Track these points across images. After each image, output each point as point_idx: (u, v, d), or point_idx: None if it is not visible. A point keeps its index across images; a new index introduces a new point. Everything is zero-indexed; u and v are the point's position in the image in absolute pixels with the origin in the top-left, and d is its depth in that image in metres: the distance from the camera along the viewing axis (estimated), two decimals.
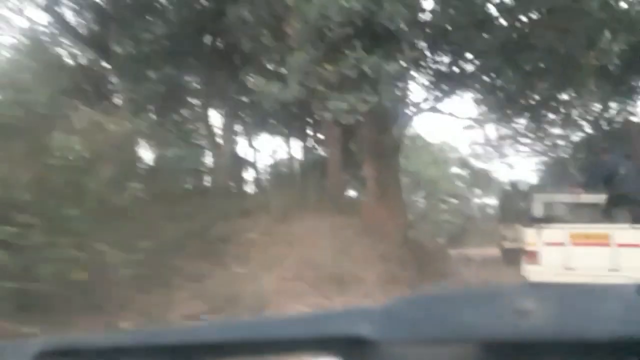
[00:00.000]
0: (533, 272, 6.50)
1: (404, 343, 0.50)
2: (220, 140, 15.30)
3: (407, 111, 9.95)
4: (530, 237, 6.60)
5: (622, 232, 6.18)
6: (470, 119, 14.32)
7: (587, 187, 7.25)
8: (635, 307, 0.48)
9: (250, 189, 17.37)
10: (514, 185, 16.03)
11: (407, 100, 10.05)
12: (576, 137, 24.24)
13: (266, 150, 23.05)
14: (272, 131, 19.01)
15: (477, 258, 14.25)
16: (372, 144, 9.50)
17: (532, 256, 6.55)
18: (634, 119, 13.50)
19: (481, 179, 30.67)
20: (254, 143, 20.23)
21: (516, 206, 14.84)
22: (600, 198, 7.44)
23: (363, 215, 9.97)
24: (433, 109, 10.01)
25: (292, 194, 14.42)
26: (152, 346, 0.57)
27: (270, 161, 21.34)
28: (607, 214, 7.30)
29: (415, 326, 0.50)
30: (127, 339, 0.61)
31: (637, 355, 0.43)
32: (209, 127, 16.08)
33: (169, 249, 7.49)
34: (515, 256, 10.79)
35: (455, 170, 32.31)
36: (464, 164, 31.64)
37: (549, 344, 0.44)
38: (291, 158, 18.82)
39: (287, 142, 19.10)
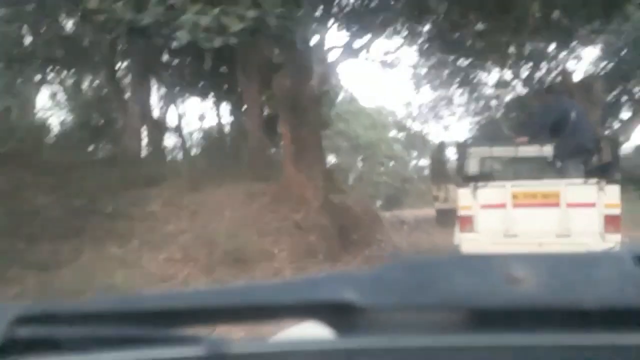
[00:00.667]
0: (467, 241, 5.12)
1: (392, 309, 0.45)
2: (134, 103, 13.04)
3: (327, 57, 8.29)
4: (464, 198, 5.15)
5: (574, 189, 4.87)
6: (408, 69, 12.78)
7: (533, 136, 5.81)
8: (630, 276, 0.44)
9: (167, 155, 15.45)
10: (442, 144, 14.97)
11: (324, 43, 8.39)
12: (508, 97, 23.74)
13: (195, 115, 20.71)
14: (200, 94, 17.02)
15: (411, 220, 13.10)
16: (288, 95, 7.84)
17: (467, 221, 5.14)
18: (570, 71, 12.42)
19: (417, 141, 29.85)
20: (180, 107, 18.32)
21: (449, 164, 13.82)
22: (548, 150, 6.08)
23: (280, 180, 8.39)
24: (355, 53, 8.39)
25: (210, 161, 12.73)
26: (135, 312, 0.52)
27: (197, 126, 19.51)
28: (555, 167, 5.96)
29: (404, 292, 0.46)
30: (109, 305, 0.56)
31: (630, 325, 0.41)
32: (116, 86, 13.89)
33: (18, 229, 5.63)
34: (449, 217, 9.66)
35: (392, 133, 31.39)
36: (400, 127, 30.72)
37: (541, 313, 0.42)
38: (219, 124, 16.99)
39: (217, 106, 17.24)
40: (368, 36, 7.97)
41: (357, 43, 8.06)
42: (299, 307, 0.49)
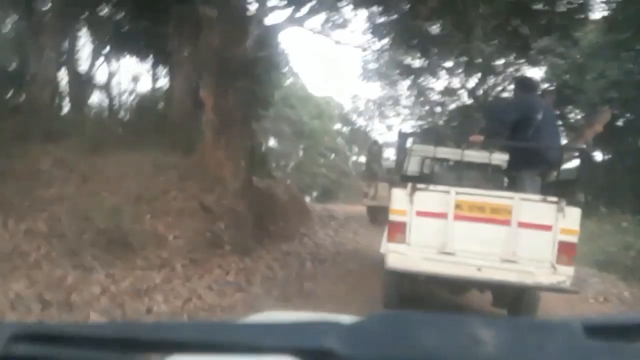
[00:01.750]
0: (394, 253, 4.03)
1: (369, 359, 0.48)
2: (50, 50, 11.08)
3: (265, 19, 7.06)
4: (398, 201, 4.06)
5: (529, 206, 3.87)
6: (357, 46, 11.74)
7: (492, 135, 4.70)
8: (579, 346, 0.48)
9: (89, 114, 13.60)
10: (377, 142, 14.28)
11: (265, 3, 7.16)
12: (453, 105, 23.51)
13: (130, 75, 18.69)
14: (138, 54, 15.21)
15: (341, 216, 12.16)
16: (215, 55, 6.53)
17: (397, 229, 4.04)
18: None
19: (360, 137, 29.16)
20: (114, 65, 16.38)
21: (385, 162, 13.11)
22: (500, 157, 5.14)
23: (196, 154, 7.09)
24: (299, 21, 7.23)
25: (131, 125, 11.14)
26: (126, 339, 0.54)
27: (130, 87, 17.67)
28: (508, 178, 5.00)
29: (382, 345, 0.48)
30: (102, 331, 0.60)
31: None
32: (34, 28, 11.88)
33: None
34: (380, 215, 8.76)
35: (337, 126, 30.56)
36: (346, 120, 29.94)
37: None
38: (154, 87, 15.29)
39: (154, 68, 15.50)
40: (314, 2, 6.82)
41: (301, 9, 6.89)
42: (280, 349, 0.50)
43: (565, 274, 3.83)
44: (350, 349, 0.47)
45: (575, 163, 4.54)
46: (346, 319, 0.54)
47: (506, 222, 3.88)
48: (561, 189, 4.20)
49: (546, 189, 4.34)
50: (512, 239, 3.87)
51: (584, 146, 4.99)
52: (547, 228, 3.83)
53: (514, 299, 4.39)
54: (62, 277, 3.98)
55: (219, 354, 0.53)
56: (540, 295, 4.35)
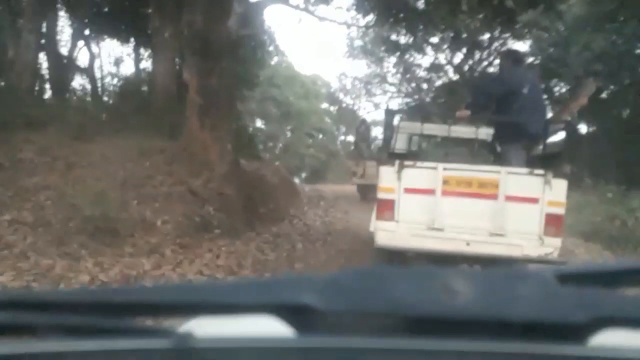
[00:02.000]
0: (384, 231, 4.03)
1: (344, 313, 0.49)
2: (29, 33, 10.71)
3: None
4: (386, 178, 4.04)
5: (516, 179, 3.86)
6: (344, 23, 11.57)
7: (478, 109, 4.59)
8: (551, 293, 0.49)
9: (71, 98, 13.29)
10: (364, 122, 14.30)
11: None
12: (440, 81, 23.42)
13: (113, 58, 18.23)
14: (119, 37, 14.81)
15: (331, 196, 12.13)
16: (197, 35, 6.36)
17: (386, 207, 4.03)
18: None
19: (348, 116, 29.01)
20: (95, 48, 15.97)
21: (373, 141, 13.14)
22: (486, 132, 5.16)
23: (182, 137, 6.98)
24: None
25: (115, 109, 10.93)
26: (105, 303, 0.54)
27: (113, 70, 17.26)
28: (494, 152, 4.97)
29: (356, 298, 0.50)
30: (74, 296, 0.59)
31: (549, 337, 0.45)
32: (11, 10, 11.49)
33: None
34: (370, 192, 8.77)
35: (324, 105, 30.29)
36: (333, 99, 29.69)
37: (472, 322, 0.47)
38: (137, 70, 14.95)
39: (137, 51, 15.13)
40: None
41: None
42: (260, 306, 0.51)
43: (552, 245, 3.83)
44: (325, 302, 0.48)
45: (561, 136, 4.53)
46: (319, 276, 0.55)
47: (493, 196, 3.87)
48: (548, 162, 4.18)
49: (532, 162, 4.32)
50: (500, 213, 3.87)
51: (569, 119, 4.99)
52: (534, 201, 3.83)
53: None
54: (49, 267, 3.91)
55: (196, 314, 0.54)
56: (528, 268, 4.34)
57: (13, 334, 0.50)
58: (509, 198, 3.86)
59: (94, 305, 0.53)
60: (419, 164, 4.10)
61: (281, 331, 0.49)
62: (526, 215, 3.83)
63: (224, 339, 0.50)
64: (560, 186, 3.81)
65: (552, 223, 3.82)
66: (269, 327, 0.50)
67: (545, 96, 17.72)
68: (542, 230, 3.82)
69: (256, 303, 0.51)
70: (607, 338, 0.46)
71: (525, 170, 3.97)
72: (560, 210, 3.85)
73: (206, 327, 0.62)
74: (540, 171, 3.85)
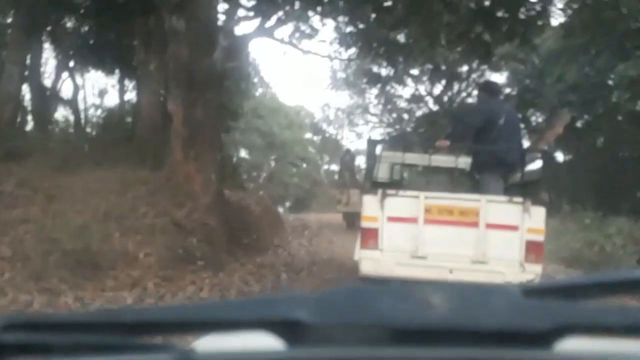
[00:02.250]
0: (368, 260, 4.09)
1: (334, 326, 0.52)
2: (12, 64, 10.67)
3: (234, 29, 7.01)
4: (370, 207, 4.09)
5: (496, 207, 3.94)
6: (328, 56, 11.80)
7: (457, 140, 4.78)
8: (519, 305, 0.54)
9: (53, 130, 13.19)
10: (349, 152, 14.57)
11: (234, 14, 7.11)
12: (420, 111, 23.88)
13: (96, 89, 18.18)
14: (104, 68, 14.85)
15: (315, 225, 12.11)
16: (183, 67, 6.43)
17: (370, 235, 4.07)
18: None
19: (331, 146, 29.24)
20: (79, 79, 15.94)
21: (357, 170, 13.32)
22: (464, 161, 5.28)
23: (165, 168, 6.95)
24: (268, 32, 7.22)
25: (98, 140, 10.87)
26: (112, 322, 0.57)
27: (97, 102, 17.21)
28: (472, 180, 5.14)
29: (344, 312, 0.54)
30: (92, 317, 0.62)
31: (516, 343, 0.49)
32: None
33: None
34: (355, 220, 8.85)
35: (308, 135, 30.53)
36: (316, 129, 29.98)
37: (449, 332, 0.50)
38: (121, 101, 14.95)
39: (121, 82, 15.15)
40: (281, 13, 6.82)
41: (269, 20, 6.87)
42: (255, 322, 0.54)
43: (533, 272, 3.88)
44: (315, 317, 0.51)
45: (538, 164, 4.66)
46: (308, 294, 0.59)
47: (474, 224, 3.93)
48: (526, 190, 4.29)
49: (511, 190, 4.42)
50: (481, 240, 3.92)
51: (546, 148, 5.13)
52: (514, 228, 3.89)
53: None
54: (28, 303, 3.81)
55: (193, 332, 0.57)
56: None
57: (28, 353, 0.52)
58: (490, 226, 3.92)
59: (105, 324, 0.56)
60: (401, 192, 4.18)
61: (274, 345, 0.51)
62: (507, 243, 3.89)
63: (222, 354, 0.55)
64: (539, 213, 3.88)
65: (533, 250, 3.87)
66: (264, 342, 0.52)
67: (522, 125, 18.18)
68: (523, 257, 3.87)
69: (251, 319, 0.54)
70: (570, 344, 0.49)
71: (504, 198, 4.05)
72: (540, 237, 3.91)
73: (206, 343, 0.69)
74: (519, 199, 3.92)
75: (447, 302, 0.53)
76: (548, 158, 4.56)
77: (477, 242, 3.93)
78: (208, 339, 0.61)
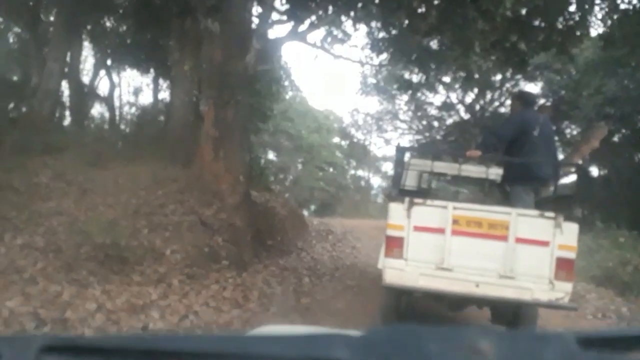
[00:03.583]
0: (392, 269, 3.94)
1: None
2: (53, 62, 11.05)
3: (267, 33, 7.07)
4: (396, 215, 3.96)
5: (526, 221, 3.80)
6: (359, 61, 11.77)
7: (489, 150, 4.55)
8: (571, 356, 0.50)
9: (90, 125, 13.60)
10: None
11: (268, 18, 7.18)
12: (451, 120, 23.57)
13: (132, 88, 18.65)
14: (140, 67, 15.25)
15: (339, 229, 12.08)
16: (216, 69, 6.53)
17: (395, 244, 3.95)
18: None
19: (359, 151, 29.15)
20: (116, 77, 16.40)
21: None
22: (495, 172, 5.15)
23: (195, 167, 7.06)
24: (301, 36, 7.25)
25: (133, 137, 11.15)
26: (147, 350, 0.56)
27: (132, 99, 17.67)
28: (503, 193, 5.00)
29: (386, 356, 0.51)
30: (128, 342, 0.62)
31: None
32: (37, 40, 11.92)
33: None
34: None
35: (336, 139, 30.53)
36: (344, 134, 29.94)
37: None
38: (155, 100, 15.30)
39: (156, 81, 15.52)
40: (314, 18, 6.84)
41: (302, 24, 6.90)
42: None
43: (563, 290, 3.75)
44: (357, 359, 0.49)
45: (572, 179, 4.52)
46: (350, 332, 0.56)
47: (503, 238, 3.81)
48: (558, 205, 4.14)
49: (543, 205, 4.29)
50: (510, 255, 3.80)
51: (580, 162, 4.98)
52: (545, 244, 3.76)
53: (512, 316, 4.33)
54: (57, 293, 3.92)
55: None
56: (538, 312, 4.30)
57: None
58: (519, 240, 3.79)
59: (139, 352, 0.56)
60: (429, 202, 4.06)
61: None
62: (536, 258, 3.76)
63: None
64: (571, 230, 3.75)
65: (563, 267, 3.74)
66: None
67: (556, 138, 17.70)
68: (552, 274, 3.74)
69: (291, 357, 0.53)
70: None
71: (535, 212, 3.92)
72: (572, 254, 3.77)
73: None
74: (551, 214, 3.79)
75: (495, 350, 0.49)
76: (582, 173, 4.40)
77: (505, 257, 3.81)
78: None
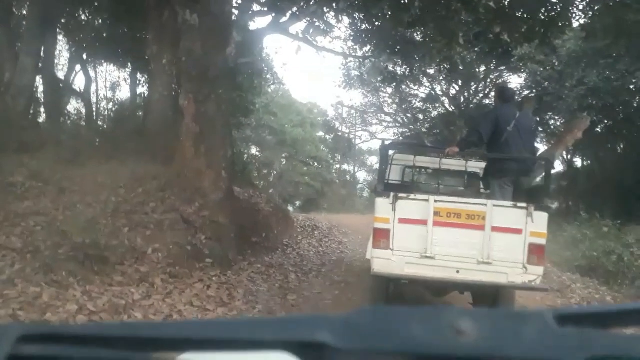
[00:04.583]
0: (379, 259, 4.29)
1: (358, 351, 0.51)
2: (26, 56, 10.79)
3: (248, 24, 7.02)
4: (382, 209, 4.33)
5: (501, 211, 4.18)
6: (342, 53, 11.77)
7: (469, 146, 4.97)
8: (551, 334, 0.52)
9: (66, 122, 13.36)
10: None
11: (249, 9, 7.13)
12: (436, 112, 23.75)
13: (109, 83, 18.34)
14: (116, 62, 15.01)
15: (325, 225, 12.12)
16: (195, 62, 6.47)
17: (382, 236, 4.31)
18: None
19: (343, 145, 29.21)
20: (92, 72, 16.12)
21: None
22: (475, 165, 5.57)
23: (176, 164, 7.00)
24: (282, 27, 7.22)
25: (109, 133, 10.98)
26: (131, 337, 0.57)
27: (109, 95, 17.42)
28: (482, 185, 5.43)
29: (369, 337, 0.52)
30: (108, 330, 0.61)
31: None
32: (8, 34, 11.63)
33: None
34: None
35: (320, 133, 30.52)
36: (329, 128, 29.95)
37: None
38: (133, 95, 15.09)
39: (134, 76, 15.30)
40: (296, 9, 6.81)
41: (284, 15, 6.87)
42: (276, 342, 0.53)
43: (535, 273, 4.12)
44: (341, 341, 0.50)
45: (555, 172, 4.73)
46: (334, 314, 0.57)
47: (481, 227, 4.19)
48: (530, 196, 4.51)
49: (519, 196, 4.60)
50: (487, 243, 4.17)
51: (564, 152, 5.23)
52: (518, 232, 4.13)
53: (492, 299, 4.72)
54: (37, 295, 3.86)
55: (213, 350, 0.57)
56: (515, 294, 4.76)
57: None
58: (495, 229, 4.17)
59: (121, 339, 0.56)
60: (412, 196, 4.39)
61: None
62: (511, 245, 4.14)
63: None
64: (541, 218, 4.12)
65: (535, 252, 4.12)
66: None
67: (540, 129, 17.97)
68: (525, 259, 4.12)
69: (272, 340, 0.53)
70: None
71: (509, 203, 4.30)
72: (542, 241, 4.15)
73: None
74: (523, 204, 4.16)
75: (477, 329, 0.50)
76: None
77: (483, 244, 4.17)
78: (219, 356, 0.60)
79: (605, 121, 15.19)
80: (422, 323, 0.53)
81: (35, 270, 4.29)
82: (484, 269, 4.17)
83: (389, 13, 8.56)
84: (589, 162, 18.09)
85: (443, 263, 4.22)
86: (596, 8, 8.55)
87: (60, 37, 13.24)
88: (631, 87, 13.50)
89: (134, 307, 4.14)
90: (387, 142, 5.40)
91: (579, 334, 0.52)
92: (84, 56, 14.77)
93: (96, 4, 11.28)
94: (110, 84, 17.47)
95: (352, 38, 9.89)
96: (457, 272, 4.22)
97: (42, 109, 12.47)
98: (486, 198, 4.62)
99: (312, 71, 59.24)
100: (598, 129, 15.08)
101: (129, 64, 13.91)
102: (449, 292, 5.11)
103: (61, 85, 14.16)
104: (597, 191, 14.91)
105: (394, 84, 21.39)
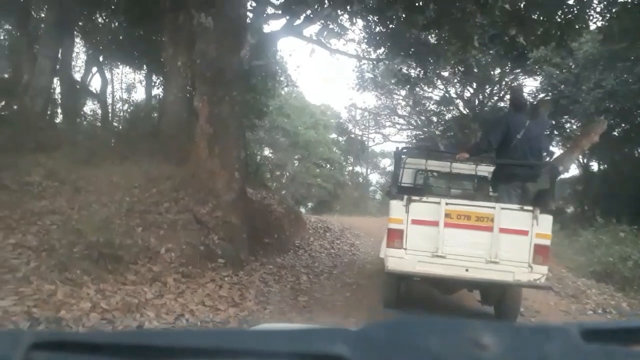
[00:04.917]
0: (393, 257, 4.53)
1: None
2: (44, 58, 10.97)
3: (262, 27, 7.06)
4: (396, 211, 4.59)
5: (508, 214, 4.42)
6: (355, 56, 11.77)
7: (479, 152, 5.25)
8: (576, 350, 0.50)
9: (82, 123, 13.54)
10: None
11: (262, 11, 7.16)
12: (450, 114, 23.59)
13: (124, 84, 18.58)
14: (132, 64, 15.21)
15: (337, 227, 12.10)
16: (210, 64, 6.52)
17: (395, 236, 4.56)
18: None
19: (356, 147, 29.14)
20: (108, 74, 16.36)
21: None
22: (485, 169, 5.78)
23: (189, 164, 7.05)
24: (296, 30, 7.24)
25: (125, 134, 11.11)
26: (141, 346, 0.56)
27: (125, 96, 17.65)
28: (492, 188, 5.59)
29: (387, 351, 0.51)
30: (118, 338, 0.61)
31: None
32: (27, 36, 11.85)
33: None
34: None
35: (333, 135, 30.49)
36: (342, 130, 29.91)
37: None
38: (148, 96, 15.26)
39: (149, 78, 15.48)
40: (310, 12, 6.83)
41: (298, 18, 6.88)
42: (294, 354, 0.52)
43: (540, 272, 4.35)
44: (358, 354, 0.49)
45: (570, 176, 4.81)
46: (348, 327, 0.56)
47: (489, 229, 4.43)
48: (536, 199, 4.76)
49: (523, 199, 4.84)
50: (495, 243, 4.42)
51: (580, 156, 5.31)
52: (524, 233, 4.37)
53: (499, 297, 4.96)
54: (51, 292, 3.92)
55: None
56: (521, 293, 4.96)
57: None
58: (503, 230, 4.41)
59: (133, 348, 0.55)
60: (424, 198, 4.62)
61: None
62: (517, 246, 4.37)
63: None
64: (546, 221, 4.36)
65: (540, 252, 4.36)
66: None
67: (556, 133, 17.72)
68: (531, 259, 4.36)
69: (287, 351, 0.53)
70: None
71: (516, 206, 4.52)
72: (547, 242, 4.39)
73: None
74: (529, 207, 4.40)
75: (500, 343, 0.49)
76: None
77: (491, 245, 4.41)
78: None
79: (622, 125, 14.96)
80: (441, 337, 0.51)
81: (50, 268, 4.35)
82: (492, 267, 4.40)
83: (403, 15, 8.54)
84: (605, 166, 17.81)
85: (453, 262, 4.46)
86: (614, 10, 8.43)
87: (77, 40, 13.47)
88: None
89: (147, 305, 4.17)
90: (401, 148, 5.61)
91: (604, 351, 0.51)
92: (100, 58, 14.99)
93: (112, 7, 11.45)
94: (126, 85, 17.72)
95: (366, 40, 9.87)
96: (466, 270, 4.46)
97: (59, 110, 12.67)
98: (494, 201, 4.87)
99: (325, 73, 59.34)
100: (615, 133, 14.86)
101: (144, 66, 14.08)
102: (458, 289, 5.32)
103: (78, 86, 14.38)
104: (614, 196, 14.66)
105: (408, 86, 21.27)
